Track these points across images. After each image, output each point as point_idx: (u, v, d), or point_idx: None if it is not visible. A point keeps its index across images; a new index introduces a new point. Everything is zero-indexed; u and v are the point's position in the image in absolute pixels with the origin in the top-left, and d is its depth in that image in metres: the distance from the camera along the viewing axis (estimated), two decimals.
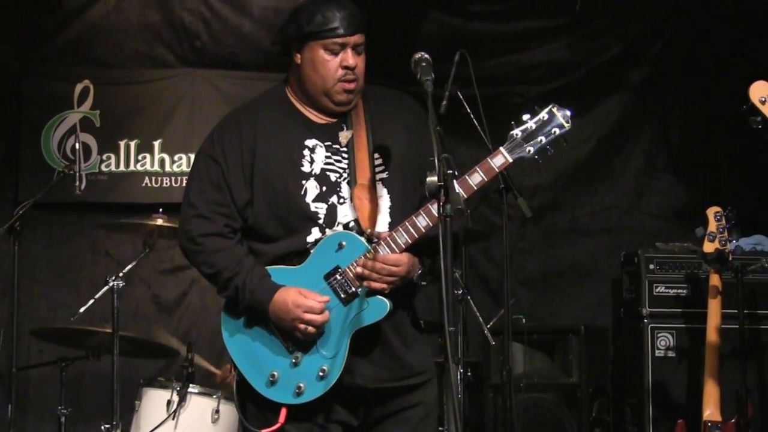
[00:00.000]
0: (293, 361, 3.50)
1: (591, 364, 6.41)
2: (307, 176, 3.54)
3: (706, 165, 7.41)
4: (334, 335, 3.47)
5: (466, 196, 3.41)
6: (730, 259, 5.43)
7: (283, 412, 3.49)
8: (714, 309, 5.44)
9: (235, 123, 3.64)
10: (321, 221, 3.52)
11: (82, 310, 5.49)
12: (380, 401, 3.57)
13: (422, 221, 3.43)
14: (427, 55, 3.44)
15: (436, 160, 3.11)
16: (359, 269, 3.44)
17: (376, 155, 3.59)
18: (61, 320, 6.63)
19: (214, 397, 5.38)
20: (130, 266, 5.51)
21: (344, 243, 3.47)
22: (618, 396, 6.51)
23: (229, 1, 7.27)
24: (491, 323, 6.00)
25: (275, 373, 3.50)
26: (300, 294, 3.45)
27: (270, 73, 7.15)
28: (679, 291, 6.08)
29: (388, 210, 3.57)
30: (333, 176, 3.56)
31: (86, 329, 5.61)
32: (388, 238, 3.44)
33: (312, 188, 3.54)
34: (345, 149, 3.59)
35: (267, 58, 7.22)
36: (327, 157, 3.57)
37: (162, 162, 7.18)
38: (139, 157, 7.17)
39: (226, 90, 7.26)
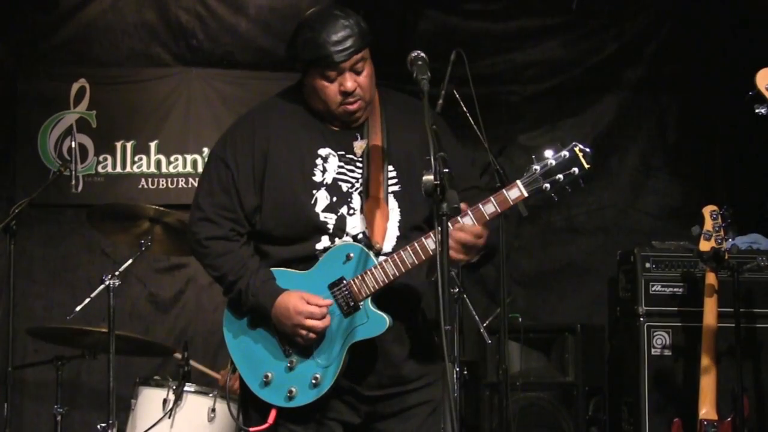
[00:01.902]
0: (288, 365, 3.50)
1: (587, 362, 6.41)
2: (319, 186, 3.53)
3: (702, 164, 7.41)
4: (331, 345, 3.47)
5: (478, 225, 3.41)
6: (726, 257, 5.44)
7: (273, 413, 3.50)
8: (710, 307, 5.46)
9: (249, 126, 3.62)
10: (330, 231, 3.51)
11: (78, 309, 5.47)
12: (384, 400, 3.57)
13: (431, 244, 3.40)
14: (423, 54, 3.41)
15: (432, 159, 3.09)
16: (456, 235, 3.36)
17: (390, 167, 3.57)
18: (57, 319, 6.61)
19: (211, 395, 5.37)
20: (126, 265, 5.50)
21: (352, 255, 3.47)
22: (614, 395, 6.52)
23: (226, 0, 7.27)
24: (487, 322, 5.99)
25: (269, 375, 3.51)
26: (302, 299, 3.45)
27: (266, 72, 7.18)
28: (675, 289, 6.08)
29: (398, 224, 3.56)
30: (345, 186, 3.54)
31: (82, 328, 5.60)
32: (395, 257, 3.42)
33: (322, 198, 3.53)
34: (359, 159, 3.57)
35: (263, 57, 7.24)
36: (340, 166, 3.55)
37: (158, 163, 7.18)
38: (136, 159, 7.17)
39: (222, 89, 7.26)
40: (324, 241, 3.51)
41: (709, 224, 5.43)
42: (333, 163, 3.56)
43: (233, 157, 3.57)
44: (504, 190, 3.43)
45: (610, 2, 7.37)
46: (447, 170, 3.09)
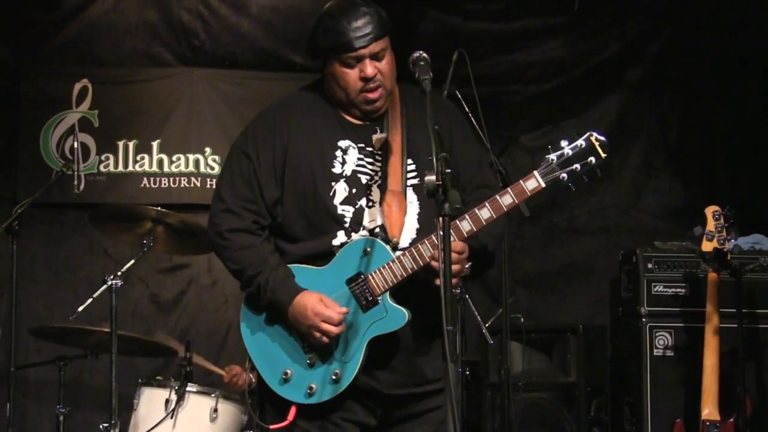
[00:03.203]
0: (308, 361, 3.50)
1: (589, 363, 6.40)
2: (338, 178, 3.54)
3: (704, 164, 7.40)
4: (351, 341, 3.46)
5: (495, 216, 3.40)
6: (729, 258, 5.43)
7: (293, 410, 3.50)
8: (712, 308, 5.45)
9: (270, 119, 3.64)
10: (347, 225, 3.52)
11: (80, 309, 5.48)
12: (400, 403, 3.56)
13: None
14: (425, 54, 3.43)
15: (434, 159, 3.09)
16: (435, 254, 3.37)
17: (409, 160, 3.57)
18: (59, 319, 6.63)
19: (213, 396, 5.37)
20: (128, 265, 5.51)
21: (369, 250, 3.46)
22: (616, 395, 6.51)
23: (228, 0, 7.27)
24: (489, 322, 5.99)
25: (288, 371, 3.51)
26: (321, 302, 3.45)
27: (268, 72, 7.19)
28: (678, 290, 6.06)
29: (416, 216, 3.56)
30: (364, 179, 3.55)
31: (84, 328, 5.61)
32: (413, 251, 3.42)
33: (341, 190, 3.53)
34: (379, 152, 3.57)
35: (265, 57, 7.24)
36: (359, 159, 3.56)
37: (160, 162, 7.19)
38: (138, 158, 7.18)
39: (224, 89, 7.27)
40: (340, 237, 3.52)
41: (711, 224, 5.43)
42: (353, 155, 3.57)
43: (254, 150, 3.58)
44: (521, 181, 3.42)
45: (612, 2, 7.37)
46: (449, 171, 3.09)
